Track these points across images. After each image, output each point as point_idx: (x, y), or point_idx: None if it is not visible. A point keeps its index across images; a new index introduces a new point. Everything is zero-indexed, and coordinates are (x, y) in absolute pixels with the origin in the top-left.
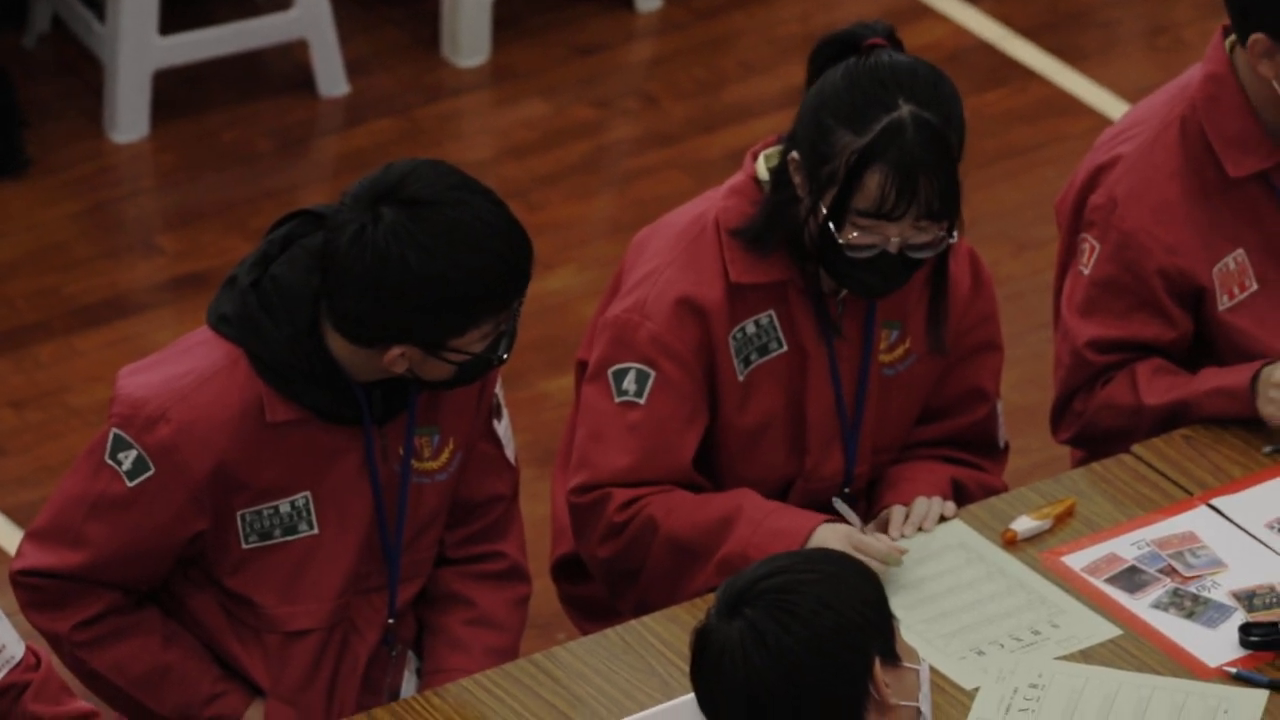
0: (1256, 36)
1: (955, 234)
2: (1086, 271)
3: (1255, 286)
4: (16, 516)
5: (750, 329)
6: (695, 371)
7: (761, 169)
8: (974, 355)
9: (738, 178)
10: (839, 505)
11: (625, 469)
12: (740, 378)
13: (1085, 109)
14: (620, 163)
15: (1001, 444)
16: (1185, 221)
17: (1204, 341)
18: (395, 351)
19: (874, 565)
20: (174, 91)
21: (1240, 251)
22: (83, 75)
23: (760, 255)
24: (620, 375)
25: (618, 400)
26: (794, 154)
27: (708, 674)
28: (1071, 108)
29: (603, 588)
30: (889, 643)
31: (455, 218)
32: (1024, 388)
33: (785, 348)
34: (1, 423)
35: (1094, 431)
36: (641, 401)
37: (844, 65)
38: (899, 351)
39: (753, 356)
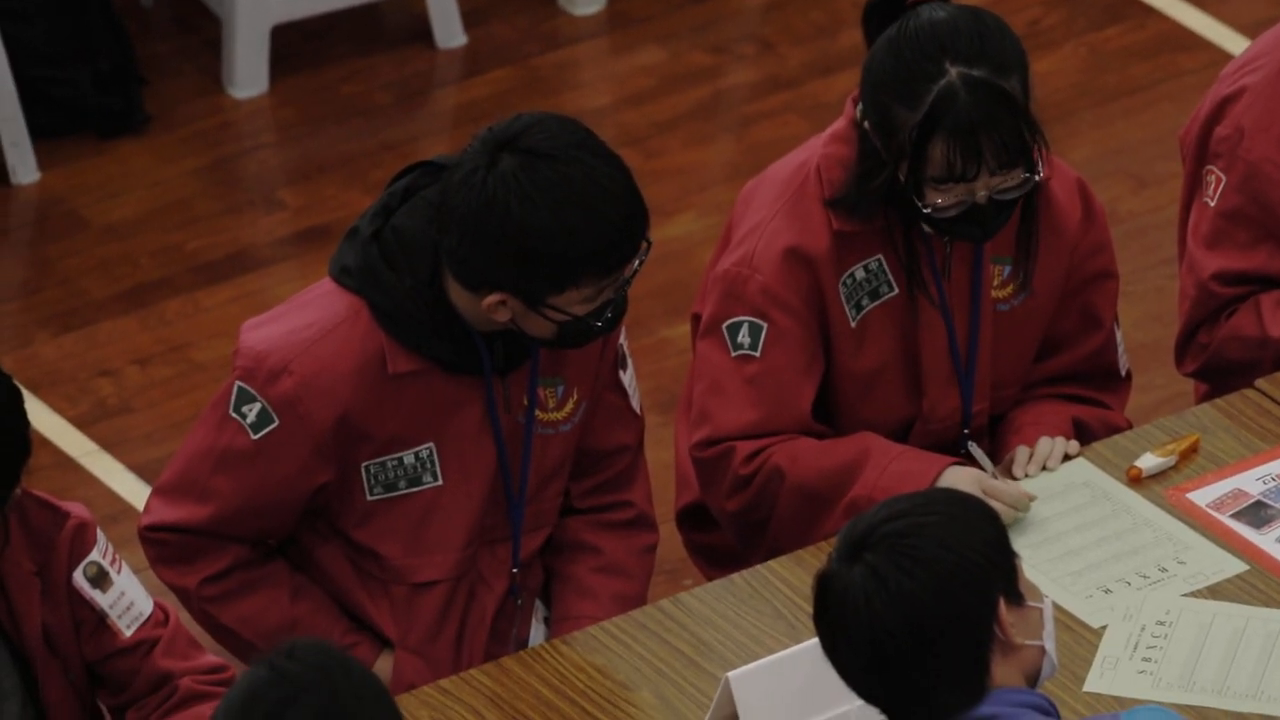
0: None
1: (1039, 173)
2: (1212, 203)
3: None
4: (144, 473)
5: (860, 274)
6: (808, 320)
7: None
8: (1089, 284)
9: (839, 124)
10: (973, 449)
11: (747, 422)
12: (853, 324)
13: (1204, 44)
14: (738, 108)
15: (1123, 372)
16: None
17: None
18: (494, 298)
19: (1003, 510)
20: (292, 46)
21: None
22: (201, 32)
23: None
24: (734, 329)
25: (734, 354)
26: (867, 123)
27: (830, 619)
28: (1190, 43)
29: (732, 538)
30: (1012, 582)
31: (568, 174)
32: (1146, 324)
33: (896, 290)
34: (127, 380)
35: (1219, 363)
36: (757, 354)
37: (886, 37)
38: (1011, 287)
39: (864, 301)
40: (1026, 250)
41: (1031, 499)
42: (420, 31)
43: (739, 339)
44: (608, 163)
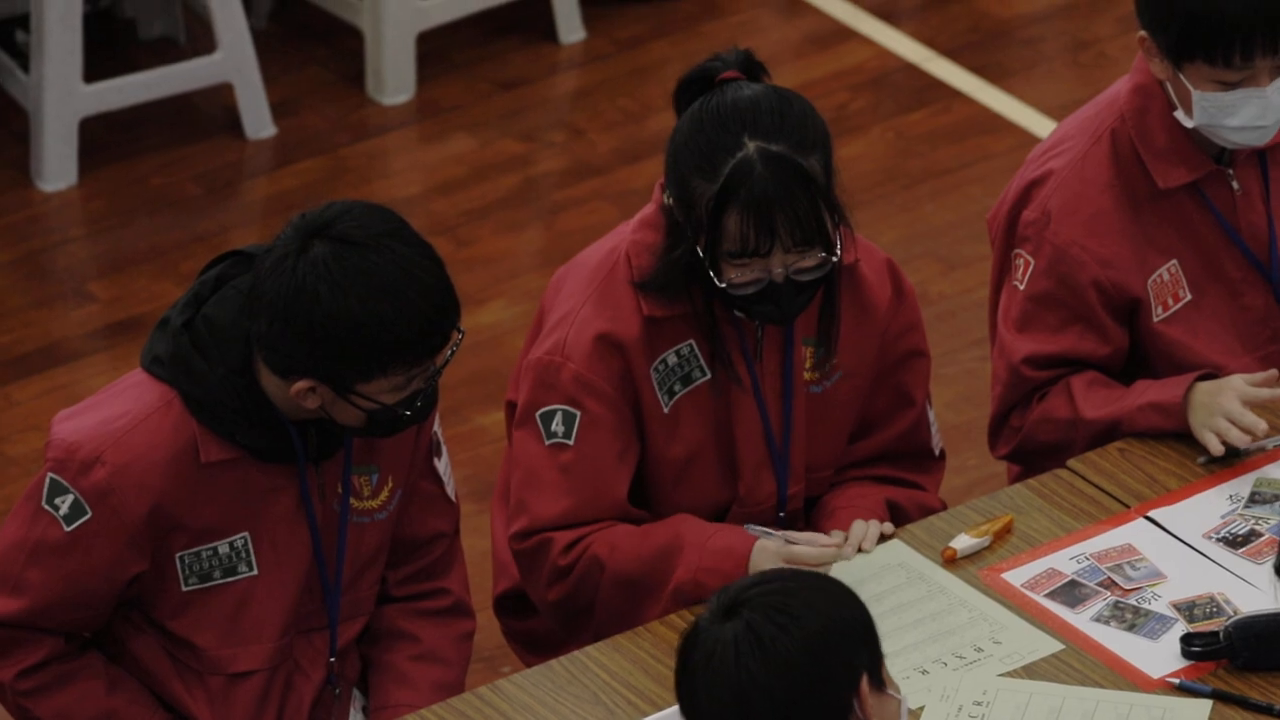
0: (1141, 34)
1: (837, 254)
2: (1021, 287)
3: (1189, 296)
4: None
5: (671, 360)
6: (621, 407)
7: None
8: (901, 364)
9: (647, 210)
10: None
11: (562, 512)
12: (665, 409)
13: (1010, 126)
14: (548, 195)
15: (936, 451)
16: (1119, 234)
17: (1138, 353)
18: (303, 385)
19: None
20: (101, 138)
21: (1174, 262)
22: (8, 124)
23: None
24: (548, 418)
25: (548, 443)
26: (670, 198)
27: (695, 673)
28: (996, 126)
29: (556, 626)
30: (877, 665)
31: (378, 263)
32: (959, 405)
33: (708, 375)
34: None
35: (1031, 446)
36: (571, 442)
37: (690, 111)
38: (825, 369)
39: (676, 387)
40: (828, 333)
41: (838, 547)
42: (229, 122)
43: (553, 427)
44: (419, 252)
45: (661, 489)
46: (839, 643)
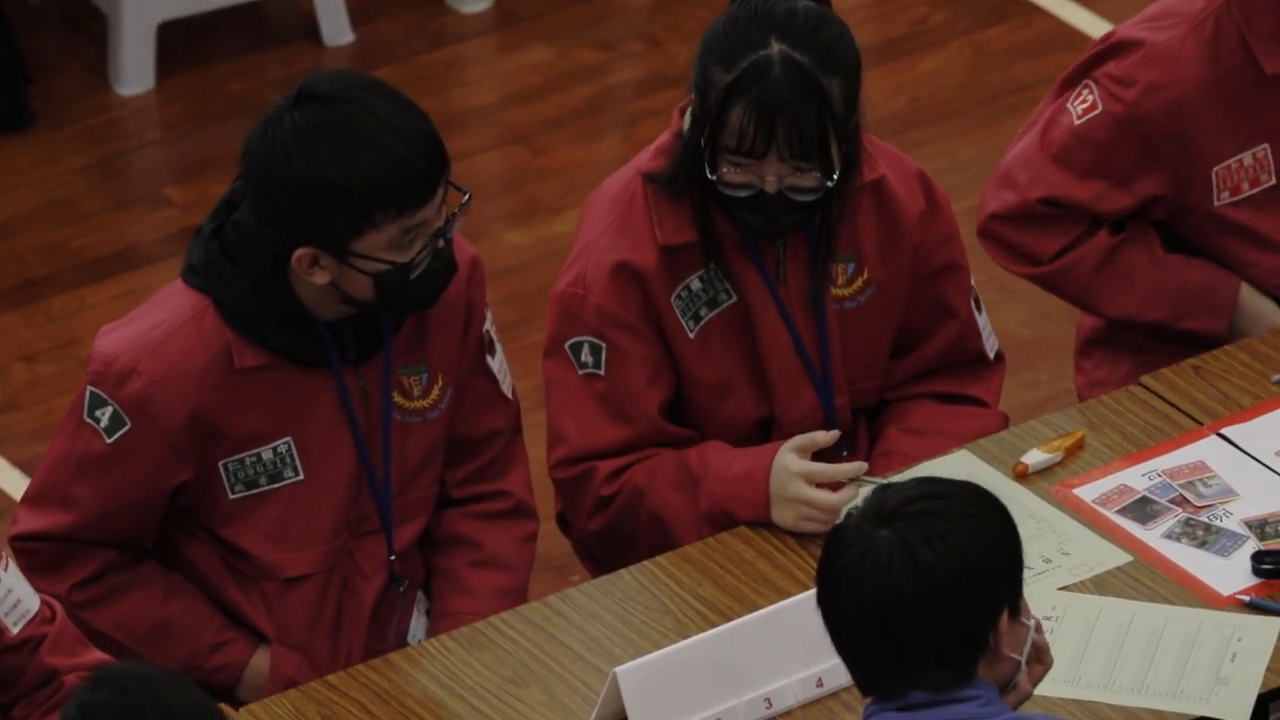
0: None
1: (832, 180)
2: (1076, 121)
3: (1273, 181)
4: (30, 470)
5: (695, 285)
6: (646, 334)
7: (687, 123)
8: (938, 276)
9: (664, 137)
10: (864, 480)
11: (603, 440)
12: (691, 335)
13: (1089, 42)
14: (624, 106)
15: (991, 355)
16: (1196, 119)
17: (1176, 235)
18: (303, 253)
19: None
20: (179, 43)
21: (1265, 147)
22: (87, 28)
23: (678, 202)
24: (576, 349)
25: (581, 373)
26: (691, 95)
27: (842, 571)
28: (1075, 41)
29: (599, 554)
30: (1018, 597)
31: (347, 112)
32: (1034, 321)
33: (734, 298)
34: (13, 377)
35: (1051, 286)
36: (602, 373)
37: (730, 8)
38: (857, 284)
39: (703, 311)
40: (816, 266)
41: (859, 469)
42: (307, 29)
43: (582, 358)
44: (393, 101)
45: (701, 409)
46: (988, 578)
